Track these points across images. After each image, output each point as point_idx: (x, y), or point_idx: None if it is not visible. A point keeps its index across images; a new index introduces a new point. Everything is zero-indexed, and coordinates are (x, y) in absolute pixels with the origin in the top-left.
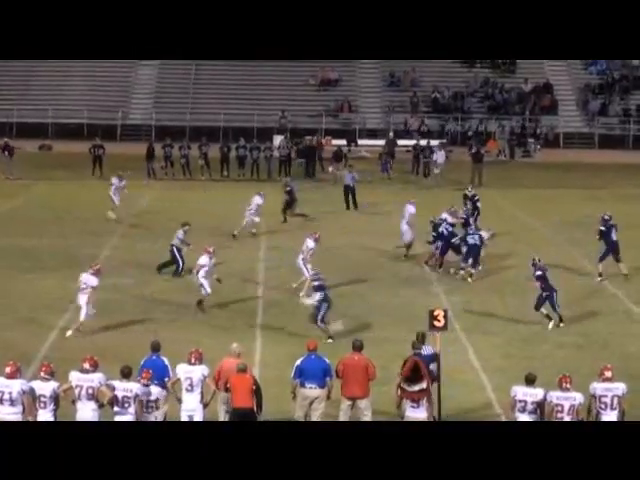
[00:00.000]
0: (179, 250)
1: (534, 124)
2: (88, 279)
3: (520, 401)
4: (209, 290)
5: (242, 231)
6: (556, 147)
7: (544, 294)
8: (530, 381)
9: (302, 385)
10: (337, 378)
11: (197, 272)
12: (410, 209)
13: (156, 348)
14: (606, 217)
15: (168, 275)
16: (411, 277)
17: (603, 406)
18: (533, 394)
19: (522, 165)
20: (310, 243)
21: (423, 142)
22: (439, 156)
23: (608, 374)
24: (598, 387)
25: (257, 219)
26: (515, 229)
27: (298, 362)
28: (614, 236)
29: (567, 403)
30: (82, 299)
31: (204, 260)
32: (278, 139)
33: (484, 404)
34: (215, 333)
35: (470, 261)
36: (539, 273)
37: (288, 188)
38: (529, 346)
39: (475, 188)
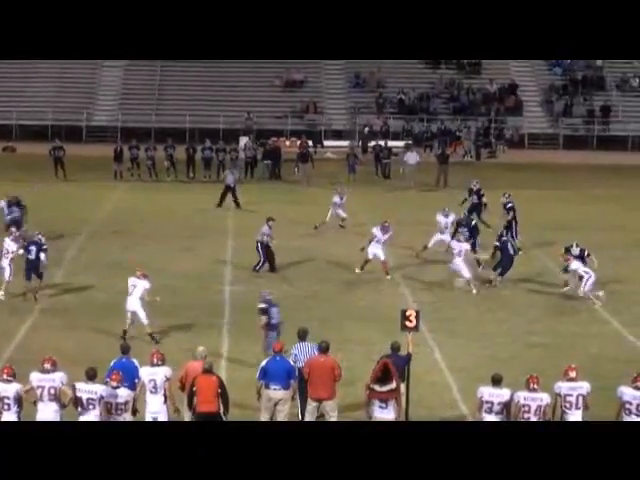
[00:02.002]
0: (263, 245)
1: (499, 125)
2: (9, 244)
3: (486, 402)
4: (146, 321)
5: (323, 225)
6: (521, 148)
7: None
8: (496, 382)
9: (266, 386)
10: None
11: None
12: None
13: (125, 350)
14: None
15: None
16: (377, 278)
17: (568, 405)
18: (499, 395)
19: (488, 166)
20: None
21: (390, 143)
22: (410, 157)
23: (572, 374)
24: (563, 386)
25: (344, 214)
26: (482, 230)
27: (263, 363)
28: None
29: (534, 404)
30: (5, 262)
31: (145, 285)
32: (244, 140)
33: (450, 405)
34: (181, 334)
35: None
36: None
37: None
38: (495, 346)
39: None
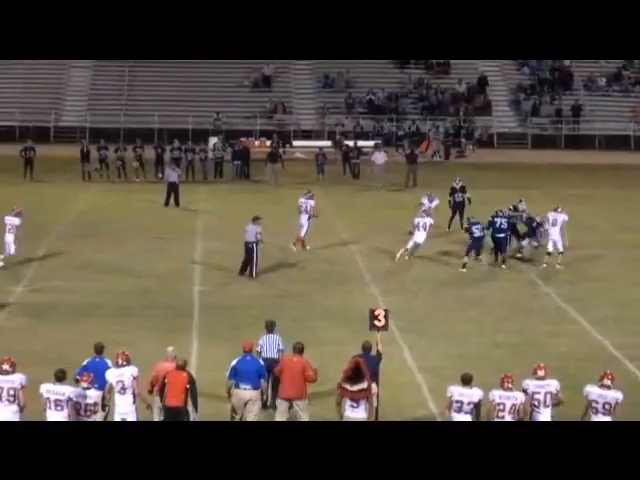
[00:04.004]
0: (257, 245)
1: (468, 124)
2: (12, 220)
3: (456, 401)
4: None
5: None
6: (490, 147)
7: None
8: (466, 381)
9: (236, 386)
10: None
11: None
12: (310, 202)
13: (99, 350)
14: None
15: (103, 277)
16: (346, 277)
17: (537, 403)
18: (469, 394)
19: (456, 166)
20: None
21: (360, 143)
22: (378, 157)
23: (541, 372)
24: (531, 384)
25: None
26: (450, 231)
27: (234, 362)
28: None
29: (509, 402)
30: (9, 237)
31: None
32: (213, 141)
33: (420, 404)
34: (150, 335)
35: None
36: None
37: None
38: (464, 346)
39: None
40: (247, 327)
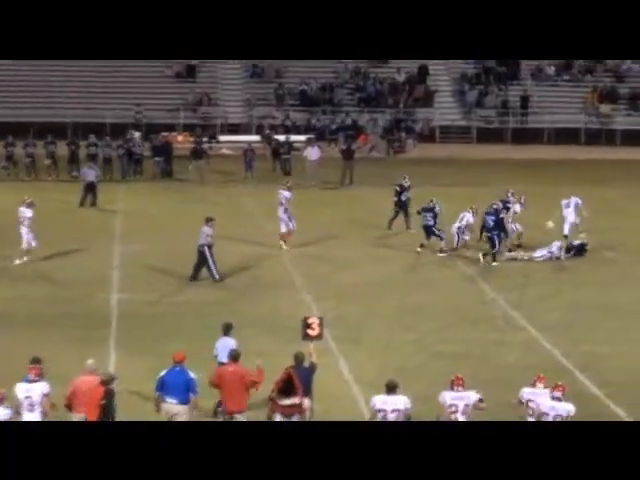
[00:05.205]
0: (210, 248)
1: (408, 117)
2: (24, 211)
3: (379, 410)
4: None
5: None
6: (432, 142)
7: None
8: (391, 389)
9: (163, 399)
10: (211, 387)
11: None
12: (284, 194)
13: (37, 361)
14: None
15: (14, 284)
16: (276, 282)
17: (453, 417)
18: (393, 402)
19: (396, 161)
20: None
21: (291, 137)
22: (311, 152)
23: (459, 383)
24: (447, 395)
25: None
26: (390, 232)
27: (162, 373)
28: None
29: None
30: (23, 229)
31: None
32: (136, 135)
33: (356, 418)
34: (66, 347)
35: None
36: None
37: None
38: (403, 356)
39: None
40: (169, 337)
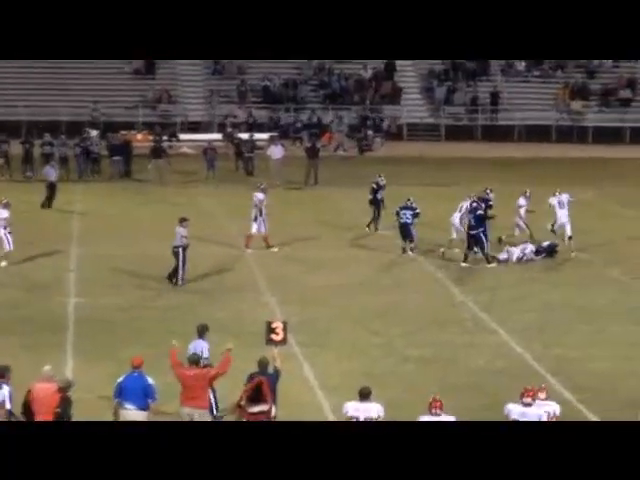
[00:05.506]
0: (184, 250)
1: (375, 114)
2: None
3: (352, 418)
4: None
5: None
6: (399, 140)
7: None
8: (364, 396)
9: (122, 406)
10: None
11: None
12: (259, 196)
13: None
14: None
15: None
16: (239, 285)
17: None
18: (365, 409)
19: (363, 160)
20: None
21: (245, 135)
22: (275, 151)
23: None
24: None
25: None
26: (358, 234)
27: (120, 379)
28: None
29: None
30: (1, 231)
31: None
32: (93, 133)
33: None
34: (20, 353)
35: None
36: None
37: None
38: (371, 361)
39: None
40: (129, 342)
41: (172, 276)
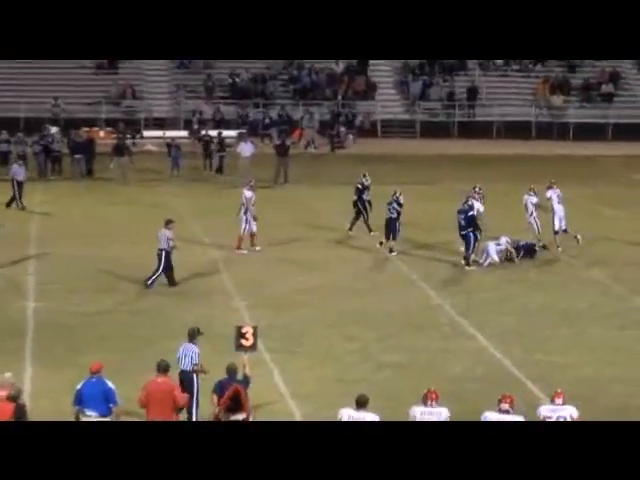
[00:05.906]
0: (168, 253)
1: (347, 110)
2: None
3: None
4: None
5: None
6: (373, 136)
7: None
8: (361, 404)
9: (82, 413)
10: (141, 407)
11: None
12: (247, 194)
13: None
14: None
15: None
16: (207, 289)
17: None
18: (359, 417)
19: (335, 158)
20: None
21: (214, 133)
22: (245, 148)
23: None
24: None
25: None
26: (332, 235)
27: (79, 386)
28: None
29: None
30: None
31: None
32: (53, 131)
33: None
34: None
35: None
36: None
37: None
38: (344, 367)
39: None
40: (91, 348)
41: (170, 281)
